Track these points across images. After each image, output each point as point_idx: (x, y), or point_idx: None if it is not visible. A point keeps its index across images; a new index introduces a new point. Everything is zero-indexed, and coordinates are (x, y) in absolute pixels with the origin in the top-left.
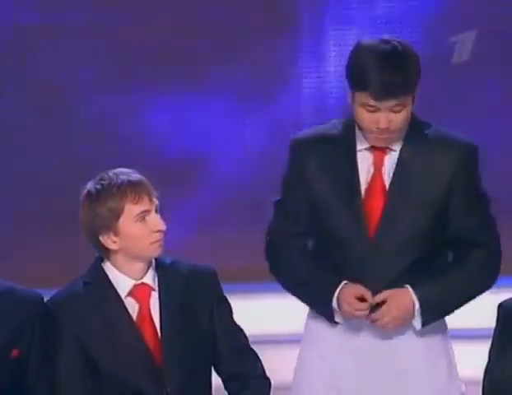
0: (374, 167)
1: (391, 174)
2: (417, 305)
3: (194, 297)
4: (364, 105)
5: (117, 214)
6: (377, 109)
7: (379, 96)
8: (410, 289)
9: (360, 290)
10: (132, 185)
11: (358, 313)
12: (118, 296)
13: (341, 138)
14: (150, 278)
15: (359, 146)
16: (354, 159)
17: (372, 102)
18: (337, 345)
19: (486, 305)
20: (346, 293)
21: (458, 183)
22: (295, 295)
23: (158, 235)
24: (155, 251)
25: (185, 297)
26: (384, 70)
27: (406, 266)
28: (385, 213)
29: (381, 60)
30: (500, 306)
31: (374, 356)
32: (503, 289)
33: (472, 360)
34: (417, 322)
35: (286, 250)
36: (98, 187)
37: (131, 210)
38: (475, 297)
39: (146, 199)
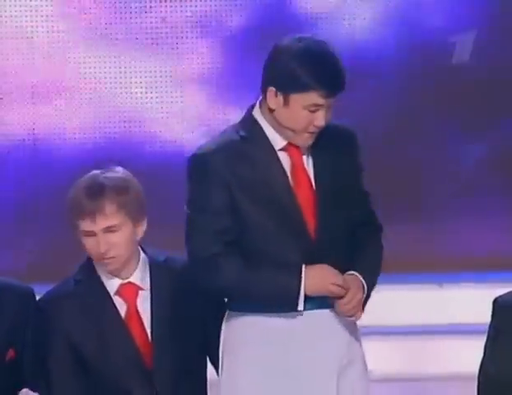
0: (294, 167)
1: (311, 173)
2: (365, 289)
3: (186, 295)
4: (307, 106)
5: (72, 224)
6: (319, 108)
7: (330, 93)
8: (358, 275)
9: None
10: (84, 201)
11: (332, 287)
12: (108, 294)
13: (252, 143)
14: (137, 277)
15: (275, 147)
16: (276, 159)
17: (320, 101)
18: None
19: (483, 300)
20: (318, 267)
21: (356, 167)
22: (246, 294)
23: (101, 257)
24: (106, 267)
25: (177, 295)
26: (328, 67)
27: (341, 256)
28: (320, 214)
29: (320, 57)
30: (495, 302)
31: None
32: (498, 284)
33: (471, 355)
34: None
35: (222, 257)
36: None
37: (78, 225)
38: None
39: (87, 221)
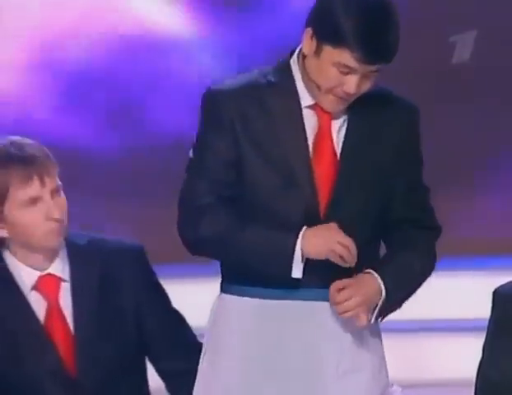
0: (319, 130)
1: (340, 141)
2: (384, 293)
3: (115, 284)
4: (338, 65)
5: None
6: (351, 72)
7: (366, 59)
8: (376, 276)
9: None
10: (21, 163)
11: (337, 245)
12: (21, 292)
13: (278, 92)
14: (58, 267)
15: (302, 103)
16: (299, 117)
17: (353, 63)
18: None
19: (484, 291)
20: (322, 225)
21: (406, 149)
22: (232, 250)
23: (53, 224)
24: (50, 242)
25: (103, 285)
26: (374, 28)
27: (359, 245)
28: (338, 187)
29: (371, 14)
30: (496, 292)
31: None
32: (497, 271)
33: (472, 357)
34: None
35: (214, 207)
36: None
37: (16, 195)
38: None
39: (36, 183)
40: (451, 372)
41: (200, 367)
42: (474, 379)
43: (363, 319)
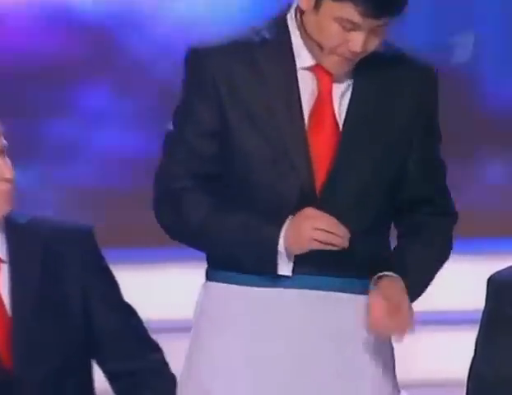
0: (319, 96)
1: (344, 106)
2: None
3: (59, 268)
4: (340, 20)
5: None
6: (356, 28)
7: (372, 13)
8: (398, 278)
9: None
10: None
11: (320, 233)
12: None
13: (271, 51)
14: None
15: (299, 64)
16: (294, 80)
17: (357, 18)
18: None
19: (479, 279)
20: (296, 216)
21: (420, 120)
22: (214, 246)
23: (3, 185)
24: (7, 205)
25: (45, 268)
26: None
27: (362, 228)
28: (338, 162)
29: None
30: (490, 280)
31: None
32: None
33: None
34: None
35: (192, 192)
36: None
37: None
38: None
39: None
40: (443, 371)
41: (187, 358)
42: (463, 379)
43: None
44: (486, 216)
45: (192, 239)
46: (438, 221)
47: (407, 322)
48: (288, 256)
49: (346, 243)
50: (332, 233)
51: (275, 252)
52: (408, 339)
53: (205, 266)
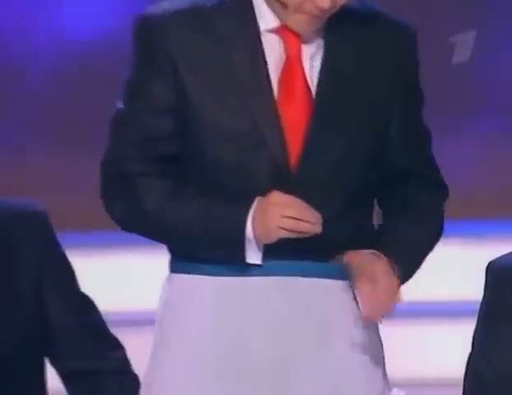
0: (287, 58)
1: (316, 69)
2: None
3: (9, 256)
4: None
5: None
6: None
7: None
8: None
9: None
10: None
11: (287, 221)
12: None
13: (230, 14)
14: None
15: (262, 26)
16: (258, 45)
17: None
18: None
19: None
20: (262, 201)
21: (401, 81)
22: (172, 236)
23: None
24: None
25: None
26: None
27: (340, 205)
28: (313, 133)
29: None
30: (489, 267)
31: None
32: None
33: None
34: None
35: (147, 177)
36: None
37: None
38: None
39: None
40: (437, 368)
41: (151, 359)
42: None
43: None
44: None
45: (149, 229)
46: (427, 195)
47: (384, 305)
48: (257, 242)
49: (318, 229)
50: (301, 220)
51: (242, 238)
52: (396, 332)
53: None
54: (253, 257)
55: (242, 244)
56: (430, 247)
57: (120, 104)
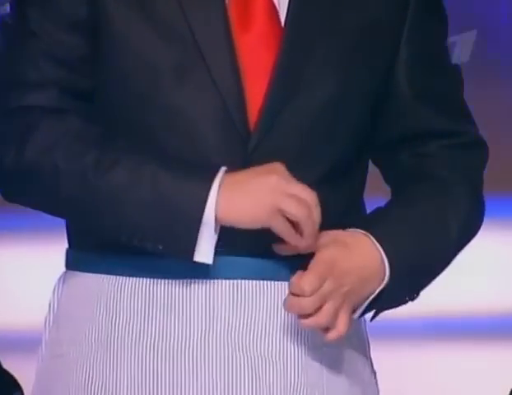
0: None
1: None
2: (387, 273)
3: None
4: None
5: None
6: None
7: None
8: (372, 239)
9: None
10: None
11: (290, 204)
12: None
13: None
14: None
15: None
16: None
17: None
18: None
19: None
20: (254, 170)
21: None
22: (84, 213)
23: None
24: None
25: None
26: None
27: (317, 177)
28: (280, 75)
29: None
30: None
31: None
32: None
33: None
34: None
35: (54, 115)
36: None
37: None
38: (458, 253)
39: None
40: None
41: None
42: None
43: (342, 325)
44: None
45: (47, 194)
46: (457, 156)
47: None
48: (215, 230)
49: (313, 247)
50: (308, 210)
51: (195, 223)
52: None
53: (62, 242)
54: (204, 251)
55: (192, 233)
56: (460, 234)
57: (14, 16)
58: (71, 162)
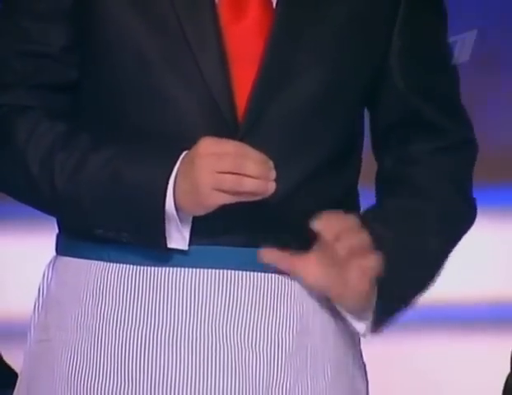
0: None
1: None
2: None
3: None
4: None
5: None
6: None
7: None
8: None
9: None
10: None
11: (248, 182)
12: None
13: None
14: None
15: None
16: None
17: None
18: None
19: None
20: (206, 144)
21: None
22: (61, 202)
23: None
24: None
25: None
26: None
27: (309, 165)
28: (270, 58)
29: None
30: None
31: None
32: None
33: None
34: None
35: (28, 111)
36: None
37: None
38: (453, 249)
39: None
40: (457, 391)
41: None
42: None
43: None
44: None
45: (26, 190)
46: (449, 160)
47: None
48: (183, 219)
49: (269, 187)
50: (244, 174)
51: (159, 212)
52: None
53: (52, 231)
54: (176, 239)
55: (159, 220)
56: (445, 241)
57: None
58: (40, 167)
